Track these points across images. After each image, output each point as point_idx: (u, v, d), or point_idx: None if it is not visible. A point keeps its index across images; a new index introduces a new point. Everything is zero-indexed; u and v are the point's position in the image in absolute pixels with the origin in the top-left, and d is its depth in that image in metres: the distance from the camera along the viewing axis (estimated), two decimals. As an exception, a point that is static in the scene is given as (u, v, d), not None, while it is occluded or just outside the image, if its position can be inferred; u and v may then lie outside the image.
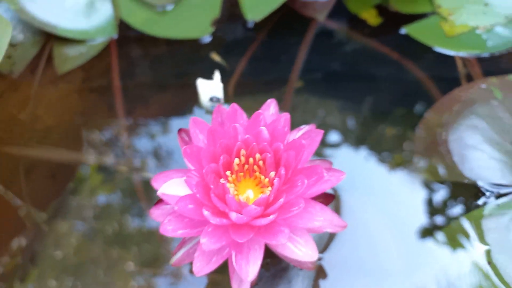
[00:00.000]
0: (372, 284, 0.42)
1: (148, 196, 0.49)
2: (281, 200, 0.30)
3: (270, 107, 0.36)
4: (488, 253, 0.41)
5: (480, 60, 0.56)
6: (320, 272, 0.42)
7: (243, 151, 0.33)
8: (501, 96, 0.49)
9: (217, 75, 0.51)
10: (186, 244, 0.36)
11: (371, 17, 0.61)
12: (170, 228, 0.32)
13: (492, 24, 0.54)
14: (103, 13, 0.59)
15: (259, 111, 0.34)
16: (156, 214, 0.35)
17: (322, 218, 0.33)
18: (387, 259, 0.43)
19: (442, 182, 0.46)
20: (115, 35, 0.59)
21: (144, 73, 0.60)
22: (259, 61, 0.60)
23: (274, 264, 0.40)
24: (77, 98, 0.58)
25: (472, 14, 0.55)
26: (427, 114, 0.51)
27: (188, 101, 0.56)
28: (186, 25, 0.59)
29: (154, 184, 0.34)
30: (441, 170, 0.47)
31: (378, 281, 0.42)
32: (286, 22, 0.62)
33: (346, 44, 0.62)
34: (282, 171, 0.31)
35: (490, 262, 0.40)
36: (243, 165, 0.34)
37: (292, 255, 0.33)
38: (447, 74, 0.56)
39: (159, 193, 0.32)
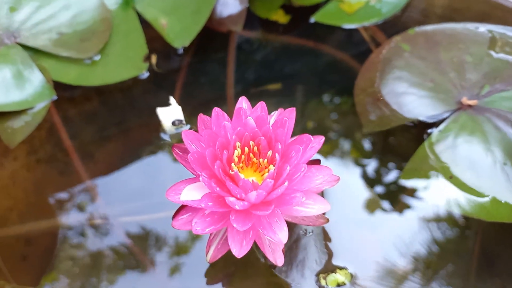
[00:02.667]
0: (368, 232, 0.48)
1: (136, 238, 0.50)
2: (288, 168, 0.35)
3: (243, 103, 0.41)
4: (447, 170, 0.49)
5: (379, 26, 0.65)
6: (325, 234, 0.46)
7: (238, 143, 0.37)
8: (409, 48, 0.59)
9: (172, 99, 0.54)
10: (213, 242, 0.39)
11: (281, 17, 0.68)
12: (199, 228, 0.35)
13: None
14: (35, 79, 0.60)
15: (239, 106, 0.38)
16: (178, 225, 0.38)
17: (321, 176, 0.38)
18: (367, 206, 0.50)
19: (390, 129, 0.54)
20: (54, 97, 0.60)
21: (93, 125, 0.61)
22: (193, 84, 0.64)
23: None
24: (27, 173, 0.58)
25: (361, -8, 0.65)
26: (357, 82, 0.59)
27: (145, 138, 0.59)
28: (120, 68, 0.62)
29: (170, 198, 0.37)
30: (386, 120, 0.54)
31: (372, 229, 0.48)
32: (208, 42, 0.68)
33: (266, 47, 0.69)
34: (279, 145, 0.36)
35: (451, 177, 0.48)
36: (240, 156, 0.38)
37: (308, 215, 0.37)
38: (359, 47, 0.65)
39: (182, 200, 0.35)
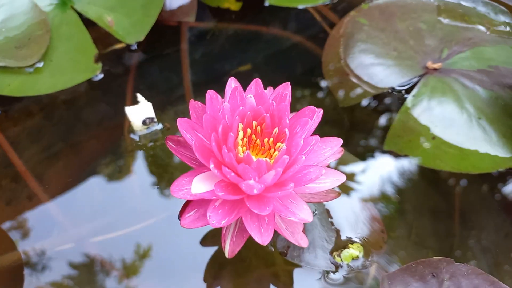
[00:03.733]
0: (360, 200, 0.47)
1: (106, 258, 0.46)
2: (301, 141, 0.33)
3: (232, 83, 0.38)
4: (428, 132, 0.50)
5: (328, 6, 0.66)
6: (328, 212, 0.45)
7: (240, 125, 0.35)
8: (367, 21, 0.60)
9: (140, 96, 0.50)
10: (226, 236, 0.36)
11: (232, 4, 0.66)
12: (215, 222, 0.32)
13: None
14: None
15: (235, 85, 0.36)
16: (188, 223, 0.34)
17: (329, 148, 0.37)
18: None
19: (366, 99, 0.54)
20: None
21: (38, 143, 0.55)
22: (147, 82, 0.60)
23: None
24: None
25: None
26: (324, 59, 0.58)
27: (99, 148, 0.54)
28: (70, 73, 0.56)
29: (176, 195, 0.34)
30: (360, 93, 0.55)
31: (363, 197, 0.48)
32: (159, 37, 0.64)
33: (221, 36, 0.66)
34: (286, 120, 0.34)
35: (433, 137, 0.50)
36: (243, 139, 0.35)
37: (323, 189, 0.36)
38: (312, 28, 0.65)
39: (194, 193, 0.32)
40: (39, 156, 0.53)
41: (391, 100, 0.54)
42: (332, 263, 0.41)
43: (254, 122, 0.35)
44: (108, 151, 0.54)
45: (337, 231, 0.43)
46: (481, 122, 0.49)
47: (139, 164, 0.51)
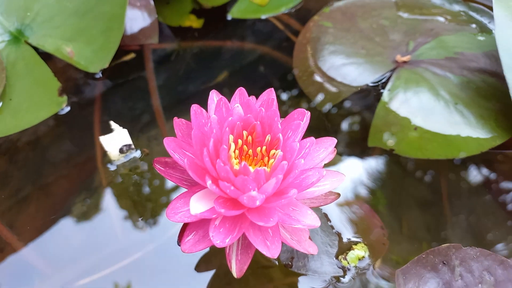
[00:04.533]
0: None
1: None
2: (297, 145, 0.32)
3: (214, 96, 0.37)
4: (408, 123, 0.51)
5: (290, 14, 0.66)
6: (326, 216, 0.44)
7: (231, 137, 0.33)
8: (331, 24, 0.60)
9: (114, 124, 0.47)
10: (231, 256, 0.34)
11: (194, 22, 0.65)
12: (219, 241, 0.30)
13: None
14: None
15: (220, 97, 0.34)
16: (189, 248, 0.32)
17: (323, 149, 0.36)
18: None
19: (343, 100, 0.54)
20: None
21: (4, 190, 0.51)
22: (115, 110, 0.58)
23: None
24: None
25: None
26: (294, 65, 0.58)
27: (72, 186, 0.51)
28: (33, 110, 0.53)
29: (172, 219, 0.31)
30: (336, 94, 0.55)
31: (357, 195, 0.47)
32: (122, 62, 0.62)
33: (185, 55, 0.65)
34: (278, 125, 0.33)
35: (415, 128, 0.50)
36: (235, 150, 0.34)
37: (322, 192, 0.35)
38: (277, 36, 0.65)
39: (194, 214, 0.30)
40: (8, 203, 0.49)
41: (369, 97, 0.54)
42: (339, 267, 0.40)
43: (245, 132, 0.34)
44: (82, 187, 0.50)
45: (339, 235, 0.42)
46: (458, 107, 0.50)
47: (119, 196, 0.48)
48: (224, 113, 0.34)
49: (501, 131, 0.48)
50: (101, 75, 0.57)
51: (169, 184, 0.49)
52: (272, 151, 0.33)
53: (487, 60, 0.54)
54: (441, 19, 0.59)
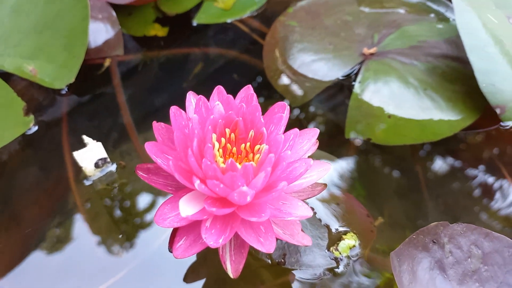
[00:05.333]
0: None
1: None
2: (282, 137, 0.32)
3: (190, 97, 0.36)
4: (382, 112, 0.52)
5: (254, 17, 0.67)
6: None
7: (214, 135, 0.33)
8: (297, 23, 0.61)
9: (86, 138, 0.46)
10: (225, 257, 0.33)
11: (158, 31, 0.65)
12: (212, 242, 0.30)
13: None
14: None
15: (199, 96, 0.34)
16: (181, 253, 0.31)
17: (306, 141, 0.36)
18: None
19: (316, 95, 0.55)
20: None
21: None
22: (85, 122, 0.56)
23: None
24: None
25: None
26: (265, 65, 0.58)
27: (44, 212, 0.49)
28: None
29: (162, 225, 0.30)
30: (309, 90, 0.55)
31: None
32: (88, 77, 0.60)
33: (153, 65, 0.64)
34: (261, 119, 0.33)
35: (389, 116, 0.51)
36: (219, 149, 0.33)
37: (310, 183, 0.35)
38: (243, 39, 0.65)
39: (185, 216, 0.29)
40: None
41: (342, 91, 0.55)
42: (332, 259, 0.40)
43: (227, 130, 0.33)
44: (56, 210, 0.48)
45: (327, 227, 0.42)
46: (427, 92, 0.51)
47: (97, 214, 0.47)
48: (204, 113, 0.34)
49: (470, 111, 0.50)
50: (67, 90, 0.55)
51: (150, 194, 0.48)
52: (257, 146, 0.33)
53: (448, 46, 0.56)
54: (402, 10, 0.61)
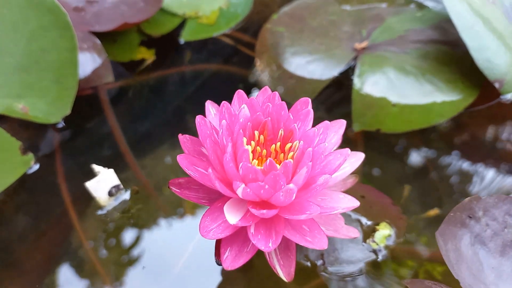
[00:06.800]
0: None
1: None
2: (315, 130, 0.31)
3: (209, 107, 0.36)
4: (387, 102, 0.52)
5: (239, 29, 0.67)
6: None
7: (245, 139, 0.32)
8: (284, 29, 0.62)
9: (97, 167, 0.44)
10: (274, 263, 0.32)
11: (145, 54, 0.64)
12: (263, 247, 0.29)
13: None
14: None
15: (222, 102, 0.33)
16: (231, 264, 0.30)
17: (333, 134, 0.35)
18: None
19: (318, 95, 0.55)
20: None
21: None
22: (81, 156, 0.54)
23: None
24: None
25: (209, 3, 0.66)
26: (256, 69, 0.58)
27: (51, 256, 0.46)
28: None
29: (208, 237, 0.29)
30: (311, 90, 0.55)
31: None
32: (79, 109, 0.58)
33: (143, 88, 0.63)
34: (290, 116, 0.32)
35: (394, 105, 0.52)
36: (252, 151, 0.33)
37: (346, 175, 0.34)
38: (233, 53, 0.65)
39: (233, 223, 0.28)
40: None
41: (341, 87, 0.55)
42: (370, 251, 0.39)
43: (256, 132, 0.33)
44: (61, 253, 0.46)
45: (359, 221, 0.41)
46: (426, 77, 0.52)
47: (113, 244, 0.44)
48: (227, 119, 0.33)
49: (469, 90, 0.51)
50: (64, 124, 0.53)
51: (168, 218, 0.46)
52: (288, 145, 0.33)
53: (433, 31, 0.58)
54: (382, 5, 0.63)
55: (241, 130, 0.31)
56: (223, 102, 0.33)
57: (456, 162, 0.51)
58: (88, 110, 0.58)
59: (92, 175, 0.48)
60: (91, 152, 0.54)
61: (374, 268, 0.39)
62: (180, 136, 0.33)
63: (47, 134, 0.54)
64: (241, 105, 0.34)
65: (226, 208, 0.30)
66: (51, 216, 0.48)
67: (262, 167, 0.30)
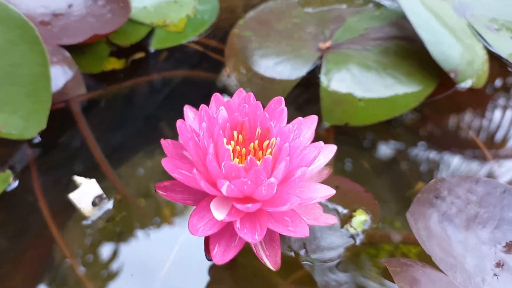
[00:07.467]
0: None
1: None
2: (290, 126, 0.33)
3: (188, 111, 0.37)
4: (353, 97, 0.55)
5: (208, 35, 0.69)
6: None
7: (225, 140, 0.34)
8: (251, 33, 0.64)
9: (78, 178, 0.45)
10: (260, 254, 0.34)
11: (115, 64, 0.65)
12: (250, 239, 0.31)
13: (194, 6, 0.68)
14: None
15: (201, 105, 0.35)
16: (220, 259, 0.32)
17: (306, 129, 0.38)
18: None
19: (288, 95, 0.58)
20: None
21: None
22: (56, 172, 0.54)
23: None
24: None
25: (176, 11, 0.67)
26: (225, 74, 0.60)
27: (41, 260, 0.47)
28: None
29: (198, 234, 0.31)
30: (281, 89, 0.58)
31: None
32: (50, 123, 0.58)
33: (116, 99, 0.64)
34: (266, 114, 0.34)
35: (360, 99, 0.55)
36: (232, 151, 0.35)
37: (320, 167, 0.37)
38: (202, 58, 0.67)
39: (220, 219, 0.30)
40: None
41: (310, 86, 0.58)
42: (349, 237, 0.42)
43: (235, 132, 0.35)
44: (44, 269, 0.46)
45: (335, 209, 0.44)
46: (388, 71, 0.56)
47: (99, 255, 0.45)
48: (206, 121, 0.35)
49: (428, 81, 0.55)
50: (40, 139, 0.54)
51: (154, 225, 0.47)
52: (266, 142, 0.35)
53: (392, 28, 0.61)
54: (343, 6, 0.66)
55: (221, 131, 0.33)
56: (201, 105, 0.35)
57: (421, 150, 0.54)
58: (61, 124, 0.58)
59: (71, 187, 0.49)
60: (67, 165, 0.54)
61: (353, 252, 0.42)
62: (162, 141, 0.35)
63: (21, 150, 0.54)
64: (218, 108, 0.35)
65: (212, 206, 0.32)
66: (31, 233, 0.48)
67: (244, 165, 0.32)
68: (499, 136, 0.55)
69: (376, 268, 0.43)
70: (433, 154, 0.54)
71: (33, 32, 0.52)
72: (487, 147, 0.53)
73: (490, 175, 0.49)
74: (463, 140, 0.54)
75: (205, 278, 0.42)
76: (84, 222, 0.45)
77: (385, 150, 0.54)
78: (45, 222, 0.47)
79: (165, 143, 0.35)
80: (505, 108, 0.58)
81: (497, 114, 0.57)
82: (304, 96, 0.58)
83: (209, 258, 0.33)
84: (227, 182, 0.30)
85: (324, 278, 0.41)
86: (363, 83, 0.55)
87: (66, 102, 0.59)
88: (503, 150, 0.54)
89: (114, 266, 0.45)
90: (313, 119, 0.38)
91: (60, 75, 0.59)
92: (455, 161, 0.53)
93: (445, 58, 0.53)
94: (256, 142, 0.35)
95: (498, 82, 0.60)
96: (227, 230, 0.33)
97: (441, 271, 0.36)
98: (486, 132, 0.55)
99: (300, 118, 0.35)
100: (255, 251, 0.34)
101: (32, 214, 0.48)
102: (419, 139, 0.55)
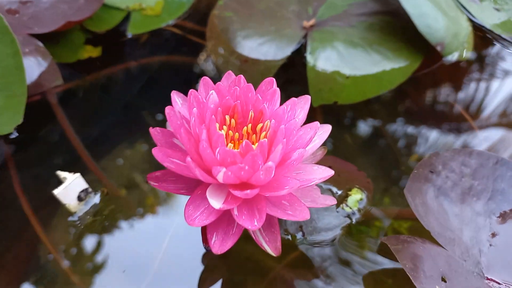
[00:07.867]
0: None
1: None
2: (284, 107, 0.32)
3: (175, 97, 0.36)
4: (341, 75, 0.54)
5: (187, 18, 0.66)
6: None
7: (217, 125, 0.32)
8: (232, 14, 0.62)
9: (63, 173, 0.43)
10: (260, 241, 0.33)
11: (92, 52, 0.62)
12: (250, 226, 0.30)
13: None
14: None
15: (190, 90, 0.33)
16: (219, 247, 0.31)
17: (299, 109, 0.37)
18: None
19: (274, 75, 0.56)
20: None
21: None
22: (36, 167, 0.52)
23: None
24: None
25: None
26: (214, 59, 0.58)
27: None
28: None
29: (196, 224, 0.30)
30: (266, 70, 0.56)
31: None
32: (32, 115, 0.55)
33: (94, 88, 0.61)
34: (259, 97, 0.33)
35: (347, 77, 0.54)
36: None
37: (316, 147, 0.36)
38: (182, 42, 0.65)
39: (218, 208, 0.29)
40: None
41: (296, 65, 0.57)
42: (345, 216, 0.41)
43: (227, 117, 0.33)
44: (29, 270, 0.44)
45: (330, 190, 0.43)
46: (374, 47, 0.55)
47: (88, 251, 0.44)
48: (195, 104, 0.33)
49: (414, 56, 0.55)
50: (17, 134, 0.51)
51: (143, 217, 0.46)
52: (259, 125, 0.33)
53: (376, 4, 0.60)
54: (324, -18, 0.64)
55: (213, 116, 0.31)
56: (190, 90, 0.33)
57: (409, 126, 0.54)
58: (38, 117, 0.56)
59: (53, 182, 0.47)
60: (47, 160, 0.52)
61: (348, 231, 0.41)
62: (151, 129, 0.33)
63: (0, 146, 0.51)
64: (207, 92, 0.34)
65: (208, 194, 0.30)
66: (13, 232, 0.46)
67: (239, 150, 0.31)
68: (484, 106, 0.55)
69: (371, 245, 0.42)
70: (419, 130, 0.54)
71: (1, 21, 0.48)
72: (472, 118, 0.53)
73: (476, 146, 0.50)
74: (448, 113, 0.54)
75: (199, 266, 0.41)
76: (70, 218, 0.43)
77: (375, 127, 0.53)
78: (28, 220, 0.45)
79: (154, 131, 0.33)
80: (490, 78, 0.58)
81: (482, 85, 0.57)
82: (290, 76, 0.57)
83: (207, 248, 0.31)
84: (224, 169, 0.29)
85: (319, 259, 0.41)
86: (349, 61, 0.54)
87: (42, 94, 0.57)
88: (488, 119, 0.54)
89: (106, 261, 0.43)
90: (306, 99, 0.37)
91: (33, 66, 0.56)
92: (442, 135, 0.53)
93: (431, 32, 0.52)
94: (250, 126, 0.34)
95: (482, 53, 0.60)
96: (224, 219, 0.32)
97: (440, 245, 0.36)
98: (471, 103, 0.55)
99: (293, 98, 0.34)
100: (254, 238, 0.33)
101: (13, 212, 0.46)
102: (401, 114, 0.55)
